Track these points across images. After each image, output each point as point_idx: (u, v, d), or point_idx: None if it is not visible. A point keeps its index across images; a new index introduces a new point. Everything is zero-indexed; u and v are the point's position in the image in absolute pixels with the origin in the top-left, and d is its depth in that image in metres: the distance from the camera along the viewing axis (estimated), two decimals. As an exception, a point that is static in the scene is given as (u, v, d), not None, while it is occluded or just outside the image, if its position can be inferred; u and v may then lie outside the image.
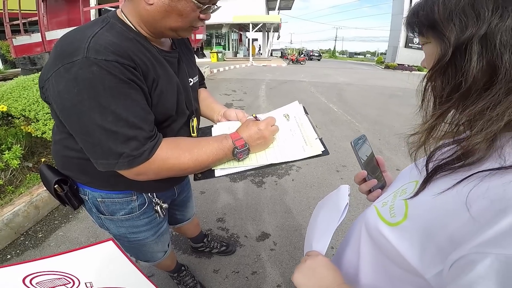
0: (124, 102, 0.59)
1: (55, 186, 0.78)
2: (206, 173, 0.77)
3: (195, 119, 0.87)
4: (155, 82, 0.67)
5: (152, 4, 0.62)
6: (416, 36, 0.43)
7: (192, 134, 0.86)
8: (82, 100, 0.57)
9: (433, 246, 0.35)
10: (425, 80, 0.41)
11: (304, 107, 0.89)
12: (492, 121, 0.33)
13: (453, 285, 0.30)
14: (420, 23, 0.40)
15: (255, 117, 0.82)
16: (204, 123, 0.96)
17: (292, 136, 0.80)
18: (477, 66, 0.34)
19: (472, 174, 0.35)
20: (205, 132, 0.93)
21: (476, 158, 0.35)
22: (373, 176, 0.62)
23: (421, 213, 0.39)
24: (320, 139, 0.76)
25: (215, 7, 0.69)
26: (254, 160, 0.76)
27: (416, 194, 0.42)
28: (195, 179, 0.79)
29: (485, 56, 0.33)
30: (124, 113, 0.59)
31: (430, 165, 0.41)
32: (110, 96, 0.57)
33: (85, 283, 0.51)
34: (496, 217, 0.29)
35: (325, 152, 0.74)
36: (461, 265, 0.30)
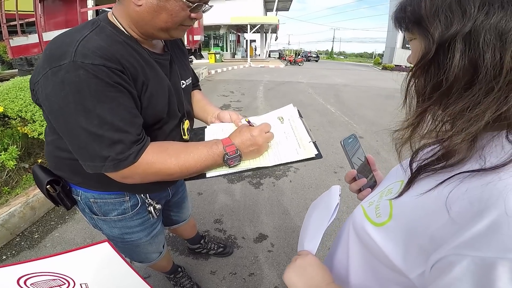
0: (110, 105, 0.59)
1: (47, 187, 0.78)
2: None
3: (186, 121, 0.86)
4: (144, 85, 0.67)
5: (141, 5, 0.62)
6: (403, 31, 0.42)
7: (183, 136, 0.85)
8: (68, 103, 0.57)
9: (415, 246, 0.36)
10: (409, 76, 0.40)
11: (298, 110, 0.88)
12: (472, 121, 0.33)
13: (433, 286, 0.31)
14: (407, 19, 0.39)
15: (248, 122, 0.79)
16: (199, 125, 0.96)
17: (286, 139, 0.79)
18: (459, 64, 0.33)
19: (453, 175, 0.35)
20: (198, 133, 0.92)
21: (458, 159, 0.35)
22: (364, 175, 0.62)
23: (405, 213, 0.40)
24: (314, 143, 0.76)
25: (207, 6, 0.69)
26: (247, 162, 0.75)
27: (401, 194, 0.42)
28: (185, 180, 0.79)
29: (467, 55, 0.32)
30: (110, 117, 0.59)
31: (414, 165, 0.41)
32: (96, 100, 0.58)
33: (80, 284, 0.51)
34: (474, 219, 0.29)
35: (318, 156, 0.73)
36: (441, 266, 0.31)
